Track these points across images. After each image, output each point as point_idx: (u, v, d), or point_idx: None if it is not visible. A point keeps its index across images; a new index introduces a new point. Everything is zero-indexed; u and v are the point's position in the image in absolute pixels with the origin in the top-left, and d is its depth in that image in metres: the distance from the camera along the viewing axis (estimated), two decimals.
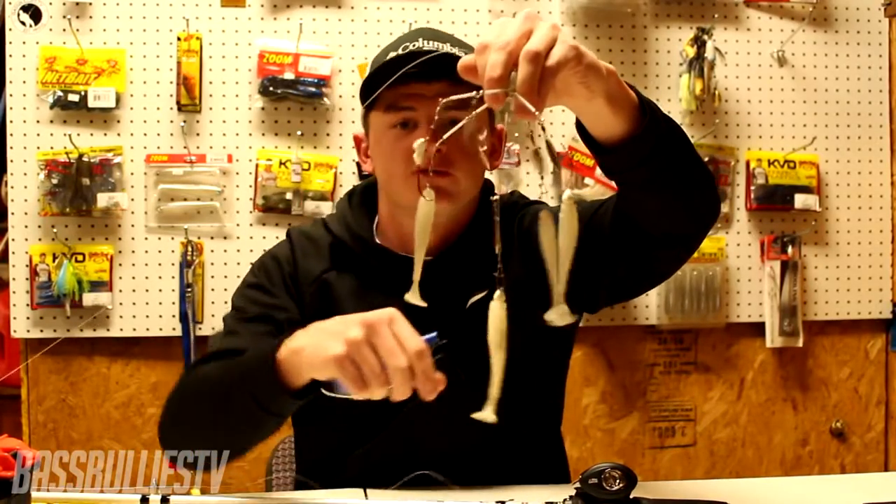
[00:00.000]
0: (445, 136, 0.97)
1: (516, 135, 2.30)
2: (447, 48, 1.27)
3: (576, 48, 0.90)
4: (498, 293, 0.89)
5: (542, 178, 0.91)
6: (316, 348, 1.03)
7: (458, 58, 1.20)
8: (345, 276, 1.35)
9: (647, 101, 1.06)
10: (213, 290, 2.25)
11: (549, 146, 0.88)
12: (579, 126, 1.07)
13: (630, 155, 1.05)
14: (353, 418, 1.32)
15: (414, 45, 1.27)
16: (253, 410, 1.11)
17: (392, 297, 1.33)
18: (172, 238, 2.25)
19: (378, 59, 1.32)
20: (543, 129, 0.93)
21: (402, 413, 1.30)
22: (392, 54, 1.28)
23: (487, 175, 1.40)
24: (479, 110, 0.91)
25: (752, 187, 2.43)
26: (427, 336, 1.02)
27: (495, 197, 0.95)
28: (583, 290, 1.28)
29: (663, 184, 1.10)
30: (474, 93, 0.90)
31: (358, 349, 0.99)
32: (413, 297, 0.97)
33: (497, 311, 0.90)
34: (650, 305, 2.41)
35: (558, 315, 0.88)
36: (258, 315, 1.33)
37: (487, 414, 0.90)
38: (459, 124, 0.96)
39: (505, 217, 1.38)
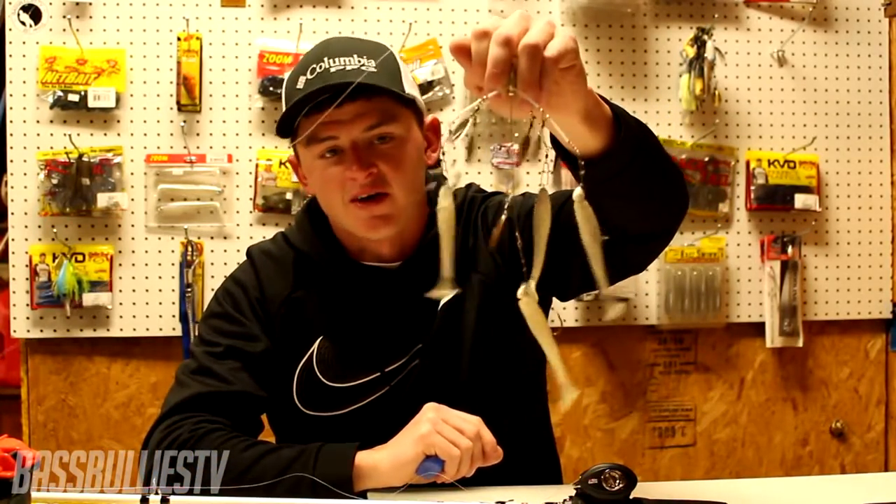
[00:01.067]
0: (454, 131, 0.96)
1: (516, 135, 2.30)
2: (354, 60, 1.25)
3: (574, 39, 0.89)
4: (523, 288, 0.88)
5: (545, 170, 0.90)
6: (396, 449, 1.16)
7: (366, 85, 1.18)
8: (312, 293, 1.34)
9: (619, 111, 1.05)
10: (212, 290, 2.24)
11: (541, 140, 0.86)
12: (554, 142, 1.07)
13: (606, 169, 1.05)
14: (339, 432, 1.32)
15: (320, 67, 1.25)
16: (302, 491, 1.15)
17: (360, 307, 1.33)
18: (172, 238, 2.25)
19: (290, 86, 1.29)
20: (544, 124, 0.91)
21: (384, 420, 1.31)
22: (301, 79, 1.26)
23: (494, 177, 1.40)
24: (472, 105, 0.90)
25: (752, 187, 2.43)
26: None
27: (507, 199, 0.93)
28: (554, 276, 1.28)
29: (637, 190, 1.10)
30: (478, 102, 0.89)
31: (438, 424, 1.14)
32: (442, 291, 0.96)
33: (529, 306, 0.89)
34: (650, 305, 2.41)
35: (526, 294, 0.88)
36: (228, 348, 1.31)
37: (570, 396, 0.91)
38: (455, 129, 0.95)
39: (467, 212, 1.38)
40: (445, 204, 0.89)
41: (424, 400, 1.29)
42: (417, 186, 1.31)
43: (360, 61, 1.25)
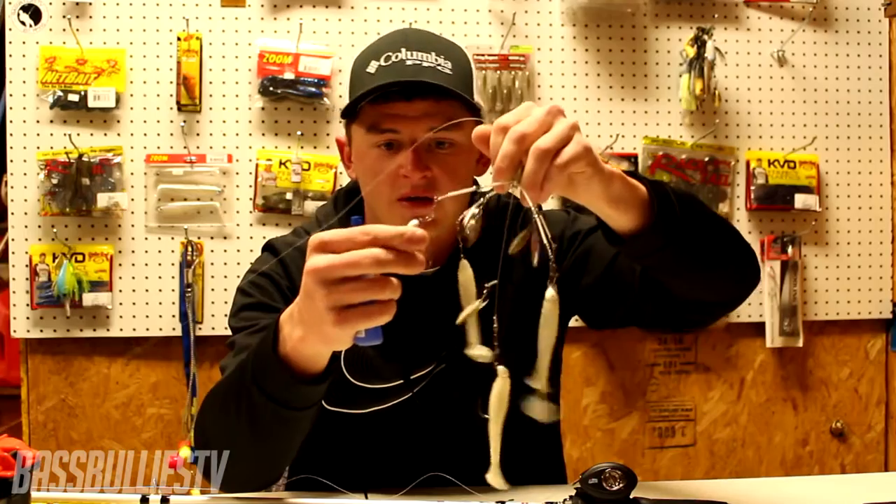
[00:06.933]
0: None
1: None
2: (432, 57, 1.22)
3: (588, 149, 0.90)
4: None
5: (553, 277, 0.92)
6: (311, 329, 0.93)
7: (439, 86, 1.18)
8: None
9: (659, 186, 1.03)
10: (213, 290, 2.25)
11: (540, 236, 0.87)
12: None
13: (644, 246, 1.04)
14: (360, 431, 1.31)
15: (396, 56, 1.22)
16: (287, 416, 1.03)
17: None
18: (172, 238, 2.25)
19: (358, 67, 1.26)
20: (542, 221, 0.92)
21: (405, 424, 1.30)
22: (374, 64, 1.23)
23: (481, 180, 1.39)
24: (471, 190, 0.92)
25: (752, 187, 2.43)
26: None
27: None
28: (593, 313, 1.35)
29: (687, 264, 1.08)
30: (483, 187, 0.93)
31: (336, 288, 0.88)
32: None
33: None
34: None
35: (542, 412, 0.94)
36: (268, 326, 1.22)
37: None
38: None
39: (502, 219, 1.37)
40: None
41: (447, 407, 1.28)
42: (464, 199, 1.29)
43: (436, 59, 1.22)
